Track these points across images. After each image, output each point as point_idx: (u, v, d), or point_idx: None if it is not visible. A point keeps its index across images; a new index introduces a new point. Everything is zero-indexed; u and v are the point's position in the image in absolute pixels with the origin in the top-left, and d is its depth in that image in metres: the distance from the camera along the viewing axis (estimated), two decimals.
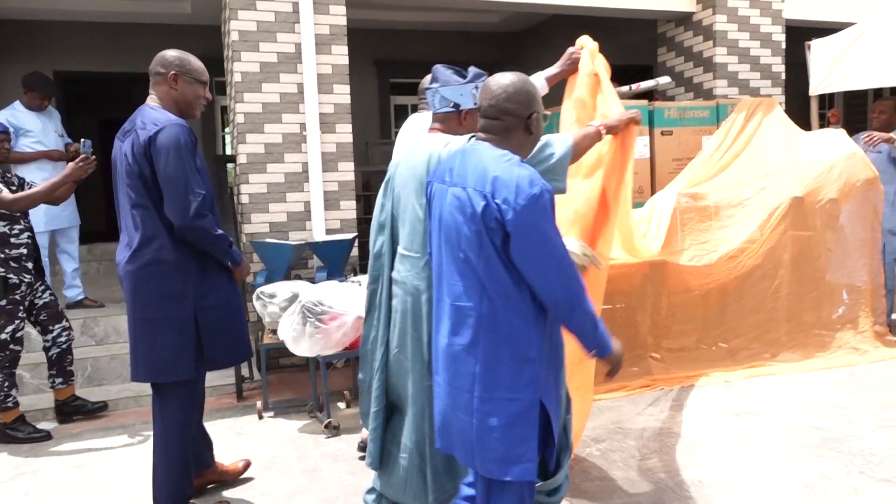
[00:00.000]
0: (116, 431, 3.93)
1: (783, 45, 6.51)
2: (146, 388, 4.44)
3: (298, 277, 4.76)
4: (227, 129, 8.32)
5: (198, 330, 2.72)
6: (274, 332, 4.08)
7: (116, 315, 4.91)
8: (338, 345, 3.73)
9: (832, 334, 4.72)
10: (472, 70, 2.57)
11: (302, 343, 3.74)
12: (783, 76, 6.54)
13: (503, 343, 1.94)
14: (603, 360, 2.07)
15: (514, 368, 1.94)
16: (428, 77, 2.85)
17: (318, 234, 4.91)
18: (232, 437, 3.79)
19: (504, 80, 2.12)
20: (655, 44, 7.06)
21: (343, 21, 5.01)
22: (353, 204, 5.12)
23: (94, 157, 3.54)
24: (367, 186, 6.80)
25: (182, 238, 2.65)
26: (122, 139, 2.71)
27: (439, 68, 2.59)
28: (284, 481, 3.21)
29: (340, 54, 4.99)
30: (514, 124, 2.07)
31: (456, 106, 2.52)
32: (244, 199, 4.85)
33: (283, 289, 4.09)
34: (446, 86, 2.53)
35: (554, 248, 1.89)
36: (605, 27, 7.65)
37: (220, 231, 2.72)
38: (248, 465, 3.28)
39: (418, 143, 2.56)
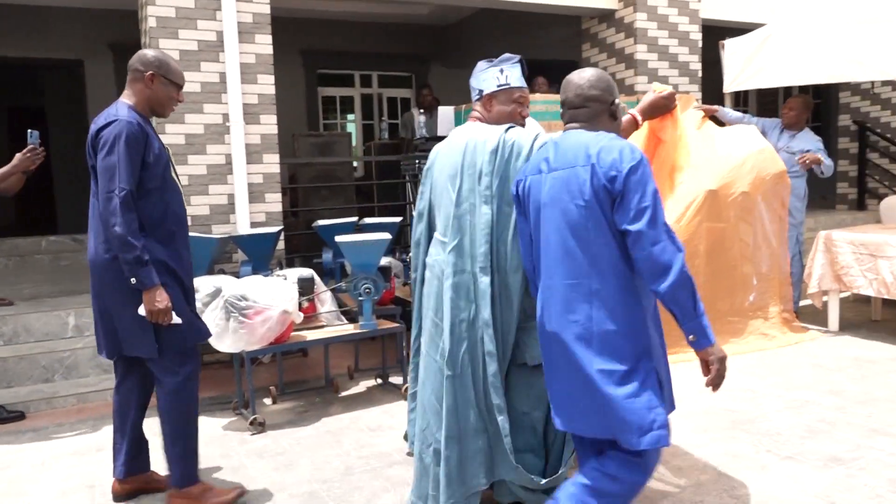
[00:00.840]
0: (27, 435, 3.75)
1: (700, 44, 6.77)
2: (60, 390, 4.27)
3: (222, 272, 4.64)
4: None
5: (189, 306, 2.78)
6: None
7: (26, 314, 4.68)
8: (263, 340, 3.67)
9: (744, 321, 4.95)
10: (503, 55, 2.62)
11: (226, 338, 3.66)
12: (700, 73, 6.80)
13: (617, 316, 2.03)
14: (701, 353, 2.05)
15: (630, 339, 2.03)
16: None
17: (243, 227, 4.81)
18: (150, 436, 3.66)
19: (586, 72, 2.23)
20: (580, 39, 7.21)
21: (267, 9, 4.91)
22: (278, 197, 5.04)
23: (42, 148, 3.39)
24: (293, 179, 6.70)
25: (147, 222, 2.66)
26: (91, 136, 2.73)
27: (479, 62, 2.64)
28: (208, 480, 3.13)
29: (264, 43, 4.89)
30: (600, 110, 2.18)
31: (480, 92, 2.58)
32: None
33: (205, 283, 3.98)
34: (473, 76, 2.62)
35: (659, 211, 1.97)
36: (531, 22, 7.78)
37: (136, 240, 2.56)
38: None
39: (458, 131, 2.61)
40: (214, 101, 4.78)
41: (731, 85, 5.76)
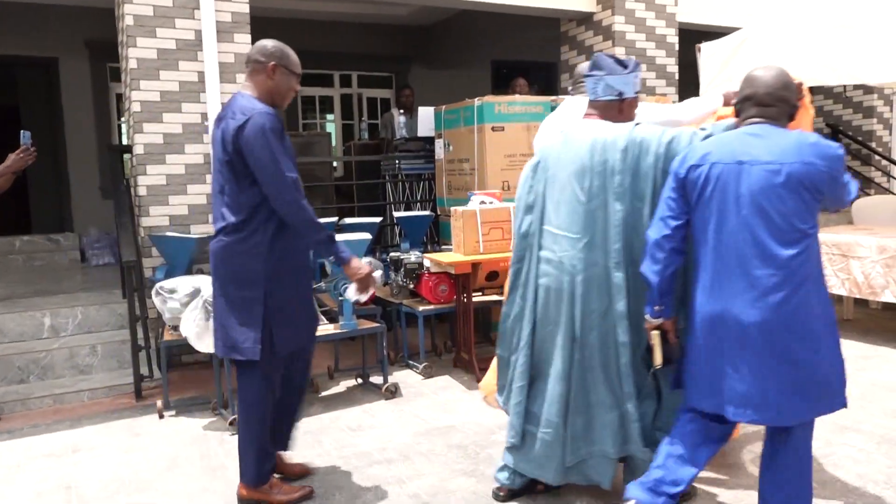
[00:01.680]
0: (2, 437, 3.71)
1: (677, 47, 6.86)
2: (35, 391, 4.22)
3: (201, 272, 4.61)
4: (122, 118, 7.93)
5: (266, 313, 2.71)
6: (175, 328, 3.95)
7: (1, 314, 4.62)
8: None
9: None
10: (632, 60, 2.70)
11: (205, 339, 3.64)
12: (677, 76, 6.89)
13: (818, 289, 2.25)
14: None
15: (827, 311, 2.26)
16: (585, 64, 2.98)
17: None
18: (130, 438, 3.65)
19: (773, 70, 2.35)
20: (558, 42, 7.27)
21: (246, 9, 4.90)
22: None
23: (34, 148, 3.38)
24: None
25: (283, 221, 2.70)
26: (217, 125, 2.76)
27: (602, 57, 2.69)
28: (187, 481, 3.13)
29: (243, 42, 4.87)
30: (786, 111, 2.34)
31: (619, 94, 2.64)
32: (142, 191, 4.66)
33: (184, 283, 3.96)
34: (612, 74, 2.64)
35: (849, 196, 2.31)
36: (510, 24, 7.82)
37: (318, 219, 2.74)
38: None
39: (577, 128, 2.67)
40: (193, 101, 4.75)
41: (707, 88, 5.83)
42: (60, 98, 7.94)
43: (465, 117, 5.29)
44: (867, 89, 8.52)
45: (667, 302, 2.43)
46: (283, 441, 3.05)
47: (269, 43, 2.78)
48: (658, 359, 2.47)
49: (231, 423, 3.66)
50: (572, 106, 3.24)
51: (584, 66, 3.08)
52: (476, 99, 5.14)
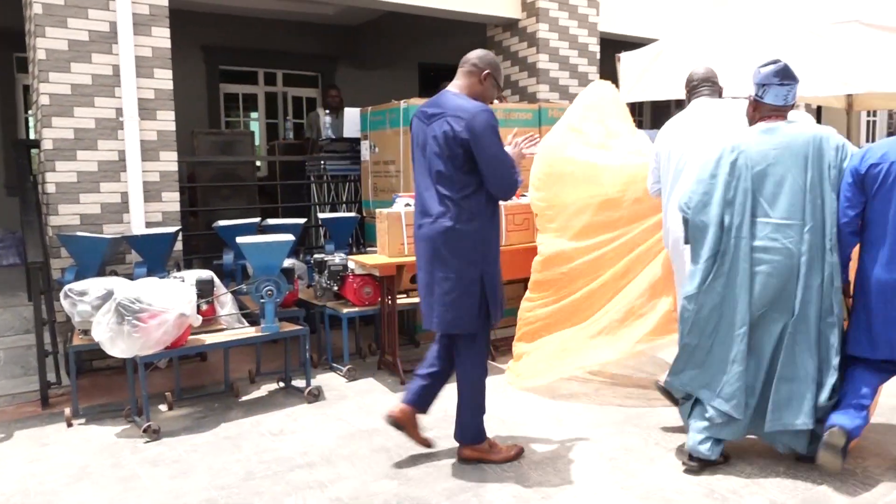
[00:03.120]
0: None
1: (598, 56, 7.06)
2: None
3: (114, 273, 4.44)
4: (30, 112, 7.54)
5: (483, 290, 2.98)
6: (86, 332, 3.79)
7: None
8: (158, 344, 3.54)
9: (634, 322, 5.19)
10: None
11: (119, 343, 3.50)
12: None
13: None
14: None
15: None
16: (701, 69, 3.64)
17: (137, 227, 4.62)
18: (36, 448, 3.47)
19: None
20: (485, 47, 7.35)
21: (164, 1, 4.74)
22: (176, 196, 4.87)
23: None
24: (192, 178, 6.48)
25: (489, 201, 3.02)
26: (428, 121, 3.00)
27: (790, 67, 3.02)
28: (96, 492, 3.00)
29: (161, 36, 4.72)
30: None
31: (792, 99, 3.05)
32: (50, 188, 4.44)
33: (95, 286, 3.81)
34: (796, 83, 3.05)
35: None
36: (437, 28, 7.86)
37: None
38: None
39: (790, 126, 3.01)
40: (107, 95, 4.56)
41: (626, 96, 6.01)
42: None
43: (391, 119, 5.28)
44: None
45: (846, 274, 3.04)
46: (429, 403, 3.26)
47: (488, 53, 3.15)
48: (844, 315, 3.02)
49: (144, 431, 3.53)
50: (703, 108, 3.54)
51: (701, 71, 3.54)
52: (402, 101, 5.14)
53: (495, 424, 3.64)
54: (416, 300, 4.88)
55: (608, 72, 6.79)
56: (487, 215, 3.01)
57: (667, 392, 3.52)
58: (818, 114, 9.86)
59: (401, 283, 4.42)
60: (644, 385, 4.24)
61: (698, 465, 3.04)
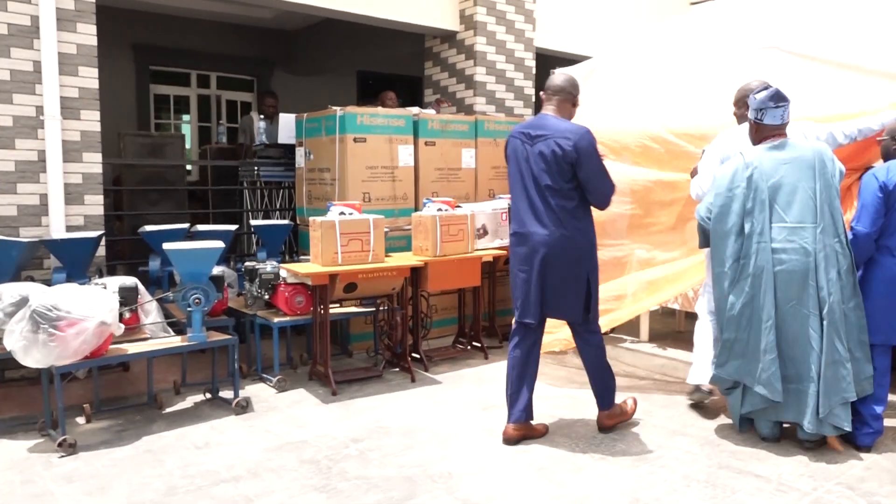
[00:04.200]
0: None
1: (534, 70, 7.19)
2: None
3: (31, 279, 4.24)
4: None
5: (588, 287, 3.47)
6: None
7: None
8: (77, 353, 3.39)
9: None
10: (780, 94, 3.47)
11: (33, 352, 3.33)
12: (533, 98, 7.22)
13: None
14: None
15: None
16: (753, 87, 3.75)
17: (57, 230, 4.42)
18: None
19: None
20: (423, 57, 7.39)
21: None
22: (100, 199, 4.68)
23: None
24: (119, 181, 6.26)
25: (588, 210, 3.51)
26: (532, 142, 3.43)
27: (781, 90, 3.42)
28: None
29: (87, 33, 4.55)
30: None
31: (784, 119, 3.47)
32: None
33: (8, 291, 3.62)
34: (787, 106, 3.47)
35: None
36: (376, 37, 7.86)
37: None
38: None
39: (795, 142, 3.46)
40: (27, 92, 4.36)
41: None
42: None
43: (326, 126, 5.24)
44: None
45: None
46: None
47: (572, 77, 3.59)
48: None
49: (59, 445, 3.37)
50: (743, 131, 3.77)
51: (761, 92, 3.60)
52: (338, 109, 5.11)
53: (426, 436, 3.64)
54: (350, 310, 4.85)
55: (543, 86, 6.94)
56: (588, 222, 3.50)
57: (699, 401, 4.08)
58: None
59: (333, 293, 4.37)
60: (574, 395, 4.31)
61: (770, 442, 3.53)
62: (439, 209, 4.82)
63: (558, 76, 3.61)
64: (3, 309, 3.59)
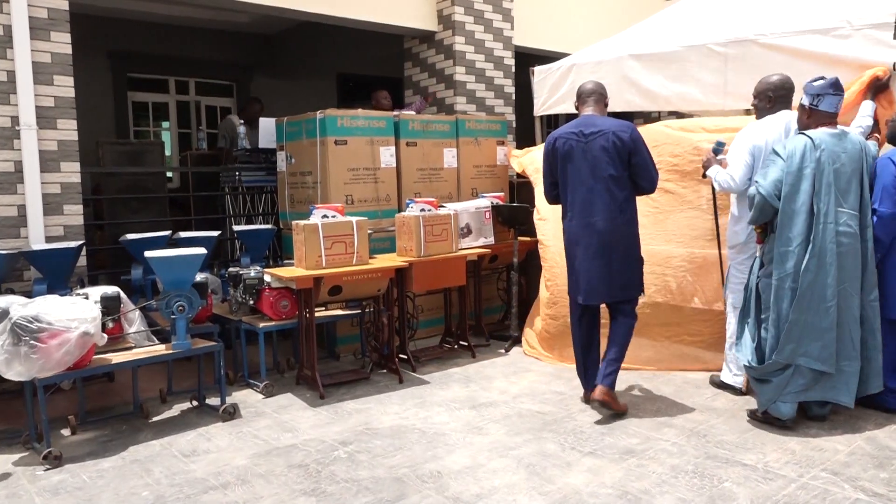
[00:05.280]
0: None
1: (513, 69, 7.20)
2: None
3: (11, 291, 4.19)
4: None
5: (640, 266, 3.94)
6: None
7: None
8: (59, 365, 3.35)
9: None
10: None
11: (15, 365, 3.30)
12: (514, 96, 7.24)
13: None
14: None
15: None
16: (777, 77, 3.94)
17: (36, 241, 4.38)
18: None
19: None
20: (402, 58, 7.39)
21: (65, 5, 4.54)
22: (79, 209, 4.64)
23: None
24: (98, 190, 6.20)
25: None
26: (588, 139, 3.82)
27: (839, 80, 3.58)
28: None
29: (62, 42, 4.51)
30: None
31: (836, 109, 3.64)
32: None
33: None
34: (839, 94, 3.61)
35: None
36: (355, 39, 7.84)
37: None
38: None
39: (848, 133, 3.62)
40: (1, 102, 4.31)
41: (540, 109, 6.18)
42: None
43: (307, 130, 5.22)
44: (679, 115, 9.40)
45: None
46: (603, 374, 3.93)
47: (601, 83, 4.07)
48: None
49: (45, 458, 3.33)
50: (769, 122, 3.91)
51: (819, 79, 3.70)
52: (318, 112, 5.09)
53: (415, 436, 3.64)
54: (335, 313, 4.83)
55: (523, 84, 6.95)
56: (636, 212, 3.92)
57: (723, 385, 4.23)
58: None
59: (318, 296, 4.35)
60: (562, 391, 4.33)
61: (780, 423, 3.61)
62: (422, 209, 4.82)
63: (588, 82, 4.05)
64: None
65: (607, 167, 3.78)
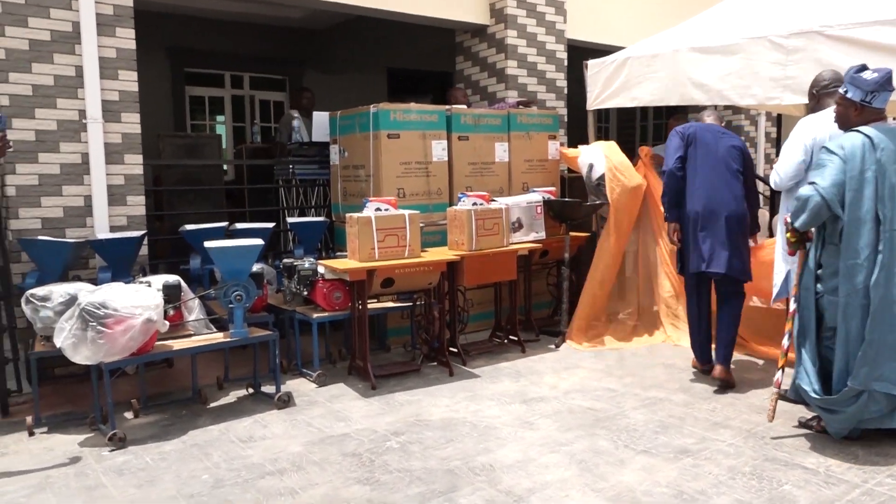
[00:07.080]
0: None
1: (566, 63, 7.14)
2: None
3: (78, 278, 4.35)
4: None
5: (749, 252, 4.38)
6: (48, 338, 3.70)
7: None
8: (124, 350, 3.47)
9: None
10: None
11: (83, 350, 3.43)
12: (566, 90, 7.17)
13: None
14: None
15: None
16: (828, 73, 3.95)
17: (101, 231, 4.53)
18: None
19: None
20: (453, 52, 7.39)
21: (129, 2, 4.66)
22: (141, 199, 4.78)
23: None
24: (158, 181, 6.37)
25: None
26: (721, 138, 4.39)
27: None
28: (60, 502, 2.93)
29: (126, 38, 4.64)
30: None
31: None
32: (10, 191, 4.33)
33: (58, 291, 3.73)
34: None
35: None
36: (406, 33, 7.87)
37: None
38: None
39: (891, 130, 3.24)
40: (69, 97, 4.46)
41: (593, 103, 6.10)
42: None
43: (360, 123, 5.27)
44: (735, 110, 9.19)
45: None
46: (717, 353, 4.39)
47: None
48: None
49: (110, 439, 3.46)
50: (826, 116, 3.70)
51: (830, 74, 3.89)
52: (372, 106, 5.13)
53: (466, 429, 3.65)
54: (387, 305, 4.88)
55: (575, 79, 6.89)
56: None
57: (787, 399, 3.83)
58: (778, 121, 10.10)
59: (371, 288, 4.40)
60: (613, 388, 4.29)
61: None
62: (474, 203, 4.82)
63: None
64: (53, 308, 3.69)
65: (736, 164, 4.35)
